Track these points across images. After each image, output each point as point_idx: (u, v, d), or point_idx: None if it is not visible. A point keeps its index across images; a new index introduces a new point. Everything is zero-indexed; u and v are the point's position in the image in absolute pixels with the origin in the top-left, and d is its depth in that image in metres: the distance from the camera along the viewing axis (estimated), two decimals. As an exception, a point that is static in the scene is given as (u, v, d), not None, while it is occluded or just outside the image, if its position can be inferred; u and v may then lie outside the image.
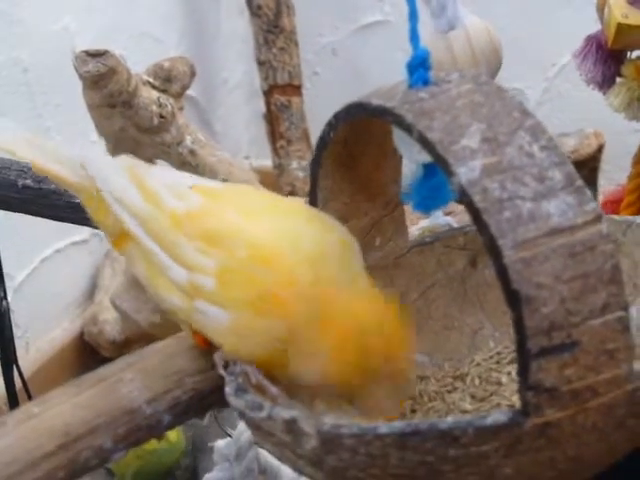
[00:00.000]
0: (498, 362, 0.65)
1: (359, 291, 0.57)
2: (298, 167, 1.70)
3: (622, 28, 0.95)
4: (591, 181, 1.32)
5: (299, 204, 0.62)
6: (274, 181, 1.66)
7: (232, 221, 0.58)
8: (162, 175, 0.62)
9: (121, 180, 0.60)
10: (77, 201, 0.86)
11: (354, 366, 0.55)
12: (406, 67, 0.53)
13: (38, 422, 0.59)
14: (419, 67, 0.53)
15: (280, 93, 1.72)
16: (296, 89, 1.73)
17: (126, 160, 0.62)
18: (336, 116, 0.57)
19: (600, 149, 1.33)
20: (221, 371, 0.58)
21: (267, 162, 1.79)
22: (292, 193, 1.68)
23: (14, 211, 0.93)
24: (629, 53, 0.99)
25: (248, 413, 0.52)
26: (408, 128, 0.50)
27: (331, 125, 0.58)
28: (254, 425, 0.53)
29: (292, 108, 1.72)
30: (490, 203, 0.47)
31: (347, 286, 0.56)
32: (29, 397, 1.18)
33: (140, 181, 0.60)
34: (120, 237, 0.61)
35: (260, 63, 1.72)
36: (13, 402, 1.16)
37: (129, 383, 0.61)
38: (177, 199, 0.59)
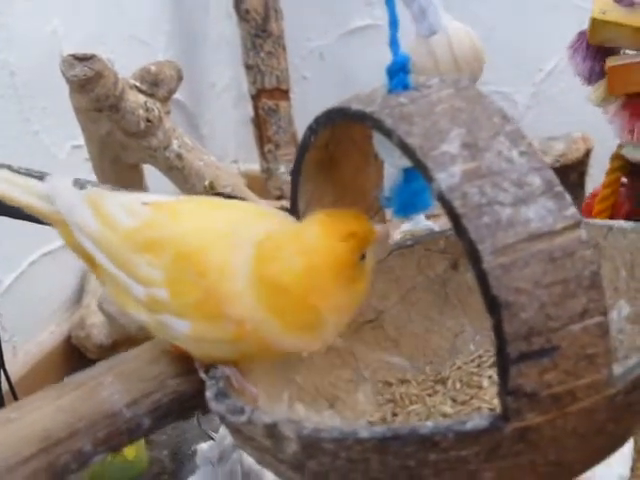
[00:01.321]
0: (479, 366, 0.66)
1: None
2: (286, 171, 1.69)
3: (597, 24, 0.96)
4: (579, 185, 1.33)
5: (238, 203, 0.63)
6: (262, 185, 1.66)
7: (165, 228, 0.59)
8: (120, 197, 0.62)
9: (82, 209, 0.61)
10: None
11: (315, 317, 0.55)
12: (386, 72, 0.53)
13: (16, 427, 0.59)
14: (399, 72, 0.53)
15: (268, 97, 1.71)
16: (284, 93, 1.72)
17: (89, 190, 0.64)
18: (317, 121, 0.57)
19: (588, 153, 1.33)
20: (202, 375, 0.58)
21: (255, 166, 1.78)
22: (280, 197, 1.67)
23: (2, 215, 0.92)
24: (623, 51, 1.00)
25: (229, 417, 0.52)
26: (388, 133, 0.50)
27: (312, 129, 0.58)
28: (235, 429, 0.53)
29: (280, 112, 1.71)
30: (469, 208, 0.47)
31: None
32: (16, 400, 1.18)
33: (97, 206, 0.61)
34: (92, 263, 0.62)
35: (248, 67, 1.72)
36: (0, 406, 1.15)
37: (109, 386, 0.61)
38: (131, 217, 0.60)
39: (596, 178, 1.31)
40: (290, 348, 0.57)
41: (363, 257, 0.55)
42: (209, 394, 0.55)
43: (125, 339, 1.51)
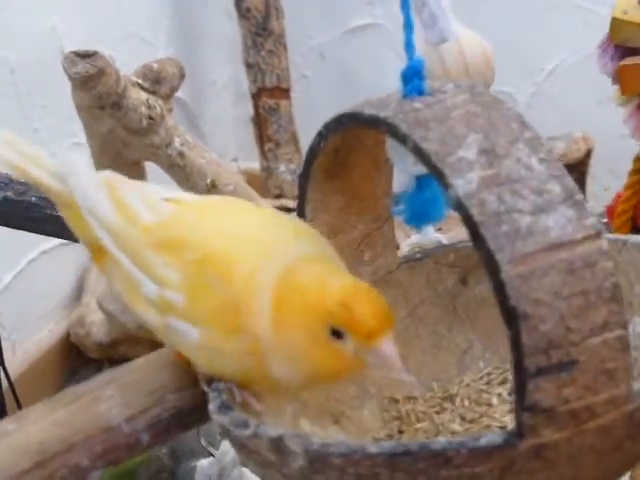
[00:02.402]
0: (488, 383, 0.64)
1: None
2: (286, 170, 1.70)
3: (618, 23, 0.97)
4: (580, 185, 1.32)
5: (271, 211, 0.61)
6: (262, 184, 1.65)
7: (190, 228, 0.57)
8: (141, 189, 0.60)
9: (98, 195, 0.59)
10: (59, 214, 0.85)
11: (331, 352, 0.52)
12: (400, 77, 0.52)
13: (13, 439, 0.57)
14: (414, 77, 0.51)
15: (268, 96, 1.71)
16: (284, 92, 1.72)
17: (107, 175, 0.60)
18: (326, 126, 0.56)
19: (589, 153, 1.33)
20: (204, 387, 0.57)
21: (255, 165, 1.78)
22: (280, 196, 1.67)
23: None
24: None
25: (233, 430, 0.50)
26: (403, 138, 0.49)
27: (321, 135, 0.57)
28: (238, 443, 0.51)
29: (280, 111, 1.71)
30: (487, 216, 0.45)
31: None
32: (16, 398, 1.17)
33: (117, 196, 0.59)
34: (99, 252, 0.60)
35: (248, 66, 1.72)
36: (0, 403, 1.14)
37: (108, 400, 0.59)
38: (151, 212, 0.58)
39: (596, 179, 1.31)
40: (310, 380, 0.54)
41: (338, 336, 0.52)
42: (212, 406, 0.53)
43: (124, 337, 1.50)
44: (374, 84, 1.65)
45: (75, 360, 1.54)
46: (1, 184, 0.89)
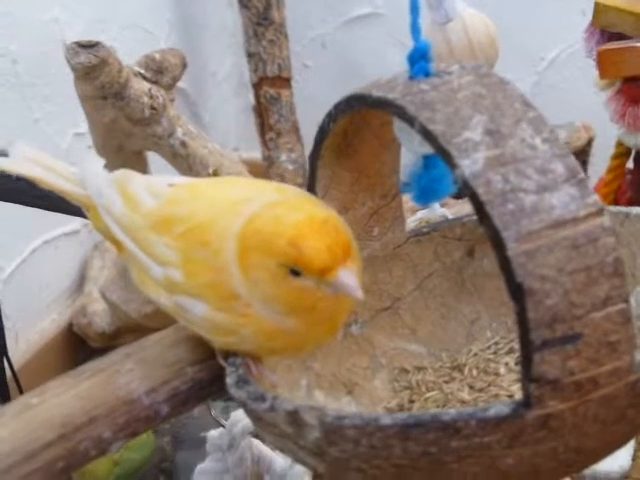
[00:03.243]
0: (495, 352, 0.66)
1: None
2: (287, 159, 1.69)
3: (600, 8, 0.97)
4: (582, 174, 1.33)
5: (273, 183, 0.61)
6: (263, 173, 1.66)
7: (181, 206, 0.58)
8: (148, 180, 0.62)
9: (110, 191, 0.61)
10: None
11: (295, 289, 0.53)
12: (407, 59, 0.53)
13: (36, 413, 0.58)
14: (420, 59, 0.52)
15: (269, 85, 1.71)
16: (285, 81, 1.72)
17: (120, 173, 0.63)
18: (336, 107, 0.57)
19: (590, 142, 1.33)
20: (221, 361, 0.58)
21: (256, 154, 1.78)
22: (282, 186, 1.67)
23: (6, 201, 0.92)
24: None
25: (250, 404, 0.52)
26: (410, 120, 0.50)
27: (331, 116, 0.58)
28: (255, 416, 0.53)
29: (282, 100, 1.71)
30: (493, 195, 0.47)
31: None
32: (19, 388, 1.18)
33: (124, 188, 0.61)
34: (120, 248, 0.62)
35: (249, 55, 1.71)
36: (4, 393, 1.16)
37: (128, 373, 0.60)
38: (153, 197, 0.60)
39: (598, 167, 1.31)
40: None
41: (296, 274, 0.52)
42: (229, 380, 0.55)
43: (127, 327, 1.51)
44: (375, 73, 1.64)
45: (78, 350, 1.54)
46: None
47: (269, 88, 1.72)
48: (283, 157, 1.70)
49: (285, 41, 1.72)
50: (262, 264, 0.53)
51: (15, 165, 0.64)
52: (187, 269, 0.56)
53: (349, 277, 0.51)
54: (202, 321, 0.57)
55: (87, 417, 0.58)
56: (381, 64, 1.71)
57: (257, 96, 1.74)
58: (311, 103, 1.73)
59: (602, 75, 0.99)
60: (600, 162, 1.25)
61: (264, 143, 1.73)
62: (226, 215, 0.55)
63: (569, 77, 1.60)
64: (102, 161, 0.63)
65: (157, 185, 0.61)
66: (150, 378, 0.60)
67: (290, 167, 1.69)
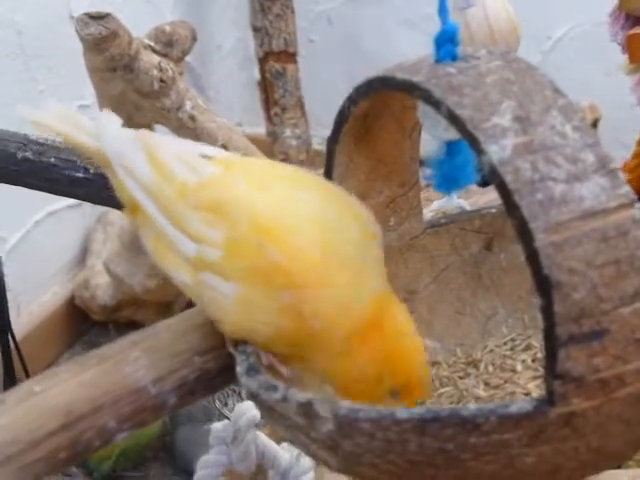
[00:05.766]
0: (512, 349, 0.64)
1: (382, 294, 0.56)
2: (292, 135, 1.69)
3: None
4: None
5: (319, 179, 0.60)
6: (267, 148, 1.65)
7: (238, 191, 0.57)
8: (176, 146, 0.60)
9: (136, 155, 0.59)
10: (78, 175, 0.85)
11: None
12: (434, 41, 0.51)
13: (39, 400, 0.57)
14: (447, 42, 0.51)
15: (275, 60, 1.71)
16: (291, 56, 1.71)
17: (142, 133, 0.61)
18: (357, 90, 0.56)
19: (596, 123, 1.32)
20: (231, 349, 0.56)
21: (260, 129, 1.78)
22: (285, 161, 1.67)
23: (11, 184, 0.91)
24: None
25: (261, 394, 0.51)
26: (436, 104, 0.48)
27: (351, 99, 0.57)
28: (267, 407, 0.51)
29: (287, 75, 1.70)
30: (522, 184, 0.45)
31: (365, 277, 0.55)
32: (21, 360, 1.17)
33: (152, 153, 0.59)
34: (134, 209, 0.60)
35: (256, 30, 1.71)
36: (8, 366, 1.15)
37: (135, 362, 0.59)
38: (189, 170, 0.58)
39: (605, 148, 1.30)
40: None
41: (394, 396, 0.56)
42: (240, 369, 0.53)
43: (129, 300, 1.51)
44: (379, 50, 1.64)
45: (80, 323, 1.55)
46: (20, 144, 0.89)
47: (275, 63, 1.71)
48: (287, 132, 1.70)
49: (292, 15, 1.71)
50: (369, 370, 0.55)
51: (46, 120, 0.63)
52: (229, 250, 0.55)
53: None
54: (227, 300, 0.55)
55: (92, 406, 0.57)
56: (386, 41, 1.70)
57: (262, 71, 1.73)
58: (316, 78, 1.73)
59: (632, 60, 0.97)
60: (606, 143, 1.24)
61: (269, 118, 1.73)
62: (305, 230, 0.55)
63: (575, 57, 1.59)
64: (120, 120, 0.62)
65: (189, 155, 0.59)
66: (157, 367, 0.59)
67: (294, 143, 1.68)
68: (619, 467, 0.99)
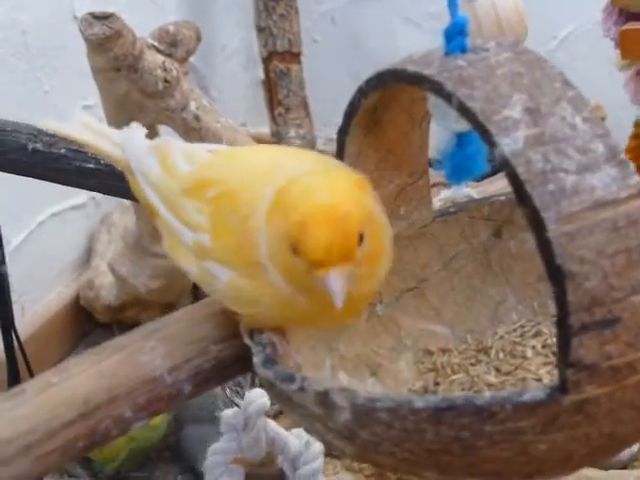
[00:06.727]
0: (522, 335, 0.65)
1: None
2: (296, 135, 1.69)
3: None
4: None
5: (310, 152, 0.60)
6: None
7: (213, 170, 0.58)
8: (186, 145, 0.62)
9: (149, 159, 0.61)
10: (88, 166, 0.85)
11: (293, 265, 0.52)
12: (443, 34, 0.52)
13: (57, 391, 0.58)
14: (457, 34, 0.51)
15: (279, 60, 1.71)
16: (295, 56, 1.71)
17: (162, 140, 0.63)
18: (367, 82, 0.56)
19: (601, 122, 1.33)
20: (246, 340, 0.57)
21: (264, 130, 1.77)
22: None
23: (22, 174, 0.92)
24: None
25: (278, 384, 0.51)
26: (447, 96, 0.49)
27: (361, 91, 0.57)
28: (284, 397, 0.52)
29: (291, 75, 1.70)
30: (534, 175, 0.46)
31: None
32: (25, 361, 1.18)
33: (163, 155, 0.61)
34: (154, 214, 0.61)
35: (260, 30, 1.70)
36: (12, 366, 1.15)
37: (151, 351, 0.60)
38: (188, 163, 0.59)
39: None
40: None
41: (295, 252, 0.52)
42: (257, 360, 0.54)
43: (134, 301, 1.51)
44: (383, 49, 1.64)
45: (84, 323, 1.55)
46: (30, 135, 0.90)
47: (279, 63, 1.71)
48: (291, 132, 1.69)
49: (296, 16, 1.71)
50: (279, 235, 0.52)
51: (73, 131, 0.65)
52: (215, 233, 0.56)
53: (337, 281, 0.50)
54: (226, 288, 0.56)
55: (108, 396, 0.58)
56: (390, 41, 1.70)
57: (266, 71, 1.73)
58: (320, 78, 1.73)
59: (624, 56, 0.97)
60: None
61: (273, 118, 1.72)
62: (258, 182, 0.55)
63: (580, 56, 1.59)
64: (144, 130, 0.63)
65: (195, 151, 0.60)
66: (173, 356, 0.60)
67: (298, 142, 1.68)
68: (625, 468, 1.00)
